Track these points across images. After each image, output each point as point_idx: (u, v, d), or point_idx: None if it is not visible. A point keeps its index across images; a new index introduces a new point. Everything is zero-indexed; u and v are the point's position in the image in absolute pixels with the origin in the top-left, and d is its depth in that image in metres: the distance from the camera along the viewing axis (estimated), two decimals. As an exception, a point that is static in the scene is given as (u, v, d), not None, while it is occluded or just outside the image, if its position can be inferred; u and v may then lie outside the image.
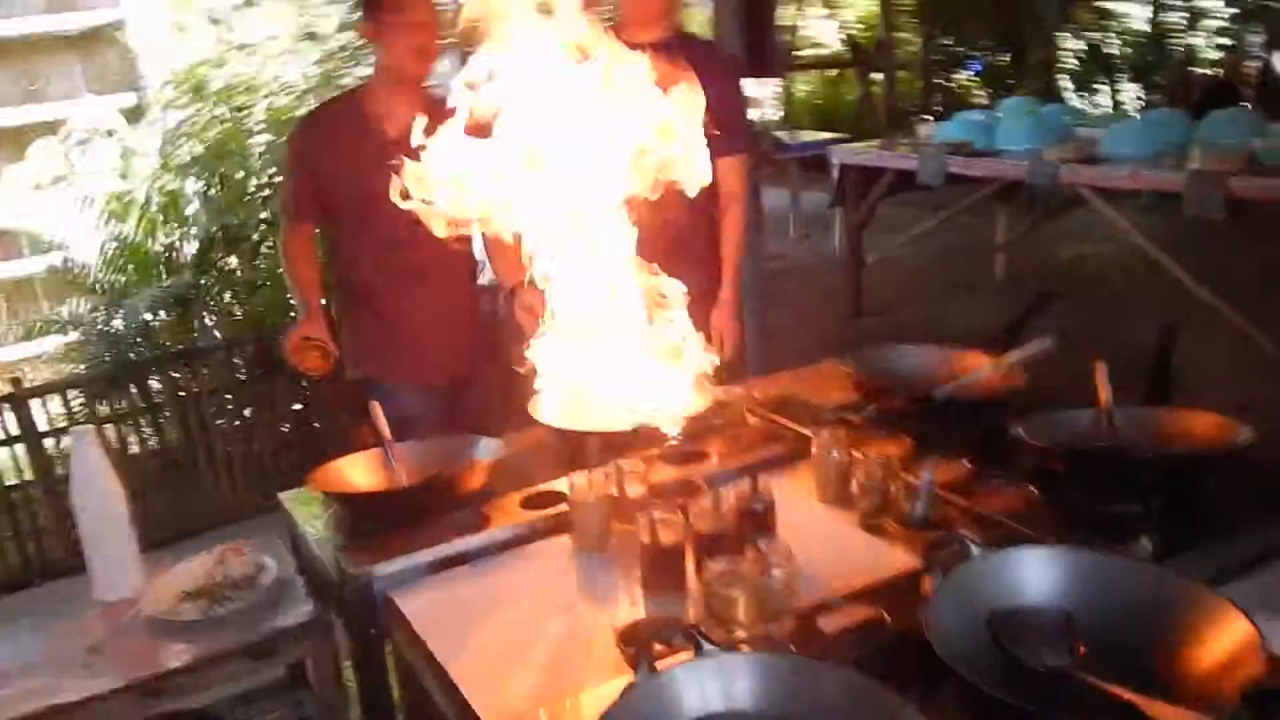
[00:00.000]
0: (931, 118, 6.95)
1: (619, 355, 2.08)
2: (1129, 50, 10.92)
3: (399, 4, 2.61)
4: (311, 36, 5.40)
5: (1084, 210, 5.53)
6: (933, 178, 5.32)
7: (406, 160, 2.01)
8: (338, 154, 2.70)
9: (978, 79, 12.22)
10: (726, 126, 2.56)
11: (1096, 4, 10.22)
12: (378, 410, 2.09)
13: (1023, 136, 5.31)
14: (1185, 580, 1.29)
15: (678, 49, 2.48)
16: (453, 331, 2.86)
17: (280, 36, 5.31)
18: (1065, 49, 11.41)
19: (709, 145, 2.14)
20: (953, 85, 12.24)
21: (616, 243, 1.94)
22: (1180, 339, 2.00)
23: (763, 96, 13.44)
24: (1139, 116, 6.53)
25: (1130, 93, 10.71)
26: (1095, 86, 10.92)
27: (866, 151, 6.16)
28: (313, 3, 5.87)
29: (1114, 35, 10.99)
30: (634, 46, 2.29)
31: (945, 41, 11.97)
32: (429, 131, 2.71)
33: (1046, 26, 10.44)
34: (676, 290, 2.00)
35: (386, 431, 2.06)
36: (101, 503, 1.89)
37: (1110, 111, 9.12)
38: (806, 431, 1.90)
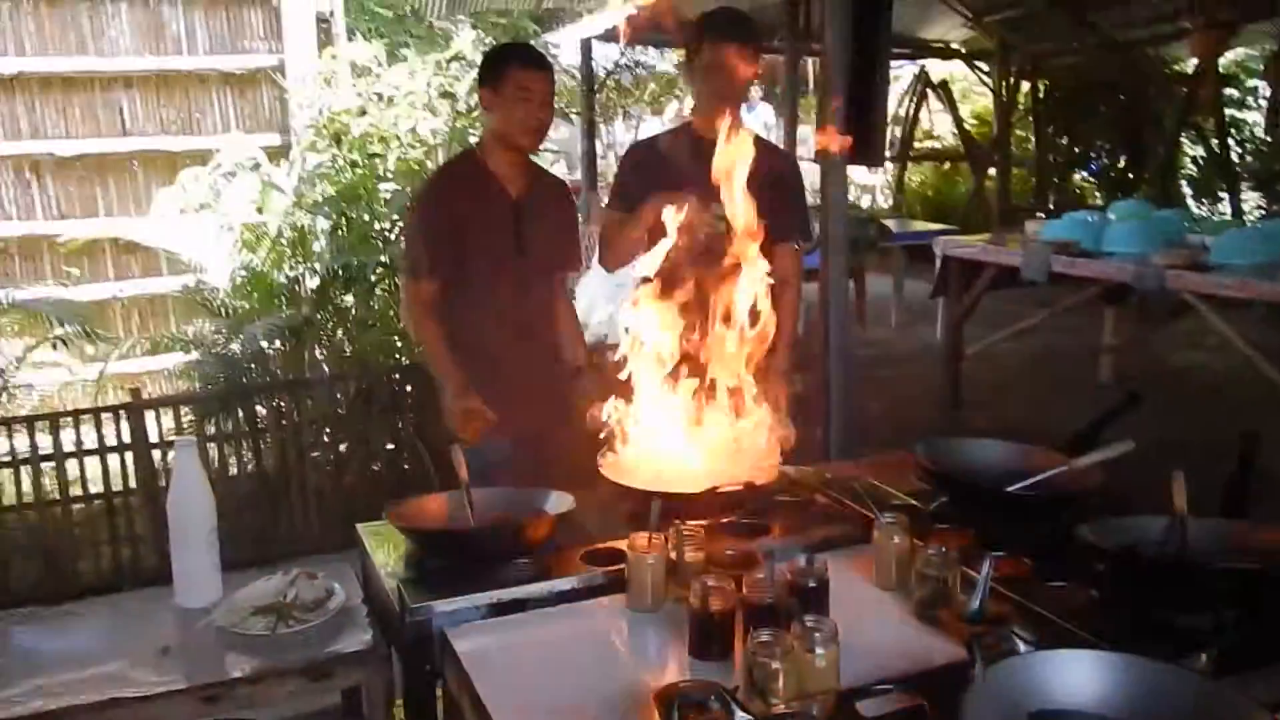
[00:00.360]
0: (1044, 215, 6.90)
1: (691, 422, 2.16)
2: (1251, 158, 10.69)
3: (517, 81, 2.74)
4: (446, 95, 5.65)
5: (1196, 316, 5.41)
6: (1036, 274, 5.27)
7: None
8: (466, 210, 2.84)
9: (1095, 180, 12.09)
10: (783, 216, 2.90)
11: (1219, 109, 10.02)
12: (459, 454, 2.17)
13: (1131, 239, 5.23)
14: (1238, 697, 1.25)
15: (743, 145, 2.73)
16: (547, 385, 2.95)
17: (417, 92, 5.56)
18: (1186, 154, 11.23)
19: (767, 232, 2.30)
20: (1069, 185, 12.12)
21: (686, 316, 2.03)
22: (1263, 448, 1.96)
23: (872, 184, 13.55)
24: (1255, 225, 6.36)
25: (1253, 201, 10.44)
26: (1217, 194, 10.70)
27: (971, 244, 6.14)
28: (452, 65, 6.16)
29: (1236, 142, 10.77)
30: (708, 143, 2.60)
31: (1062, 141, 11.90)
32: (541, 201, 2.88)
33: (1167, 131, 10.29)
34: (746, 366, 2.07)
35: (464, 474, 2.14)
36: (193, 512, 2.01)
37: (1229, 219, 8.89)
38: (871, 515, 1.91)
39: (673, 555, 1.79)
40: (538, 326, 2.97)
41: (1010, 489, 2.01)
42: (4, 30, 6.10)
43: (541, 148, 3.06)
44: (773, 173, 2.85)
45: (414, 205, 2.99)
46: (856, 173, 13.18)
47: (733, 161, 2.29)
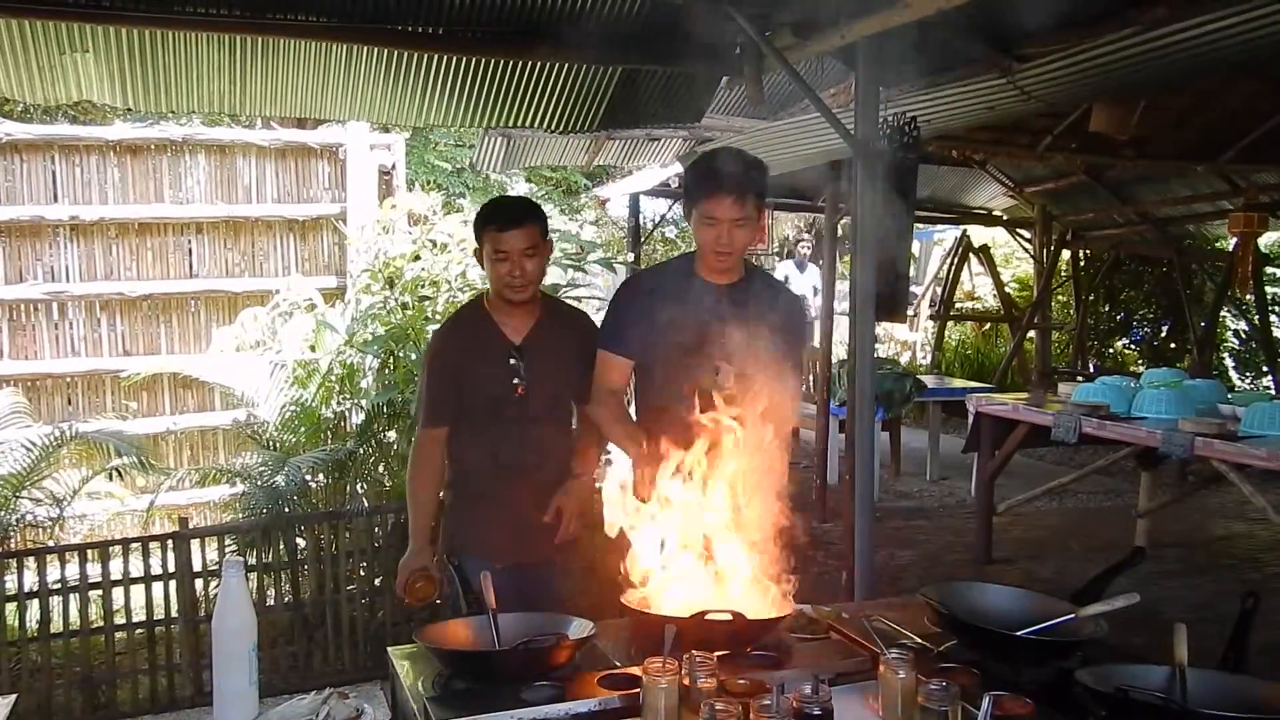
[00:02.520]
0: (1082, 379, 7.02)
1: (715, 556, 2.27)
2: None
3: (492, 241, 2.89)
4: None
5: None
6: (1066, 435, 5.36)
7: None
8: (472, 357, 2.99)
9: (1137, 348, 12.20)
10: (782, 360, 2.73)
11: (1259, 286, 10.14)
12: (487, 580, 2.27)
13: (1161, 405, 5.32)
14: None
15: (751, 290, 2.84)
16: (539, 521, 2.98)
17: (469, 240, 5.84)
18: (1228, 327, 11.34)
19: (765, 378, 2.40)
20: (1111, 351, 12.24)
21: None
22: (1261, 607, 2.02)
23: (912, 341, 13.76)
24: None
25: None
26: (1261, 368, 10.74)
27: (1003, 403, 6.24)
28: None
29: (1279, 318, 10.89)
30: (711, 286, 2.75)
31: (1104, 308, 12.09)
32: (551, 339, 3.01)
33: (1206, 304, 10.44)
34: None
35: (492, 600, 2.24)
36: (236, 628, 2.12)
37: (1271, 393, 8.92)
38: (879, 651, 1.98)
39: (686, 682, 1.86)
40: (535, 464, 3.01)
41: (1017, 633, 2.07)
42: (90, 180, 6.56)
43: (563, 293, 3.17)
44: (778, 314, 2.79)
45: (423, 358, 3.12)
46: (898, 330, 13.45)
47: (732, 314, 2.39)
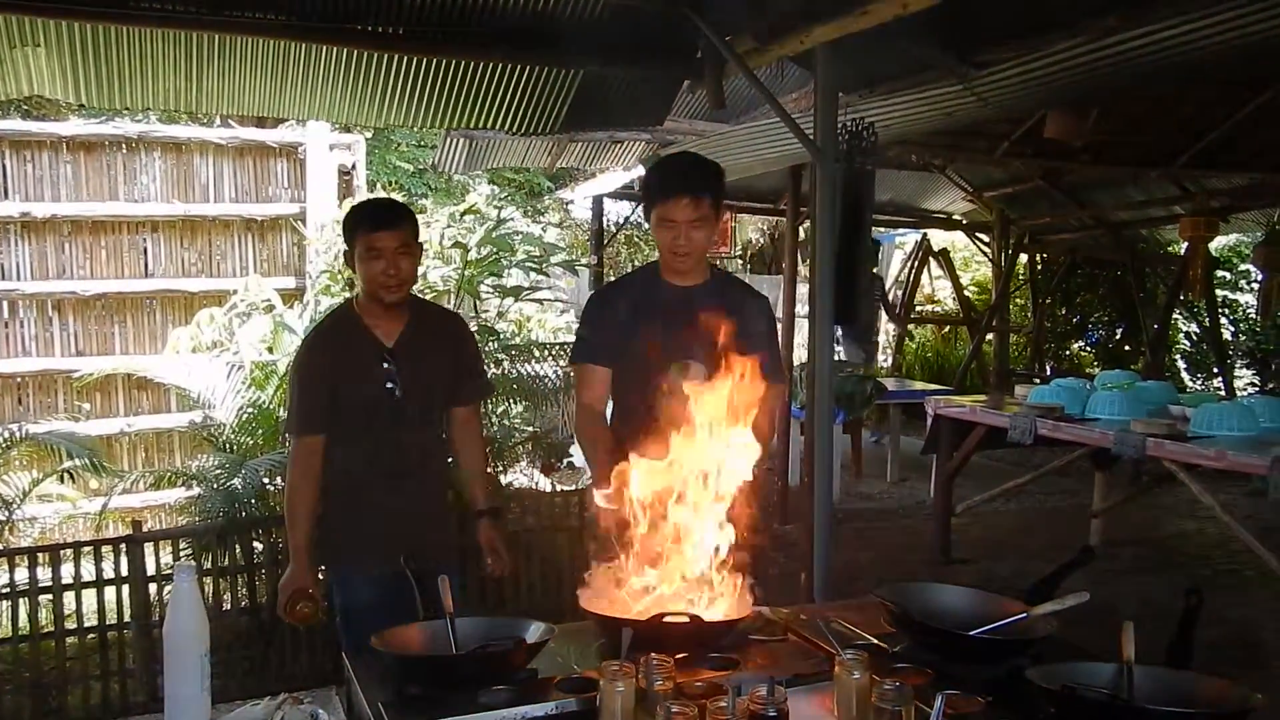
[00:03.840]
0: (1039, 381, 7.12)
1: (675, 556, 2.28)
2: (1244, 337, 10.98)
3: (365, 242, 2.85)
4: (458, 245, 5.88)
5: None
6: (1022, 436, 5.44)
7: None
8: (345, 362, 2.95)
9: (1093, 350, 12.39)
10: (757, 358, 2.76)
11: (1209, 289, 10.34)
12: (446, 584, 2.26)
13: (1114, 407, 5.41)
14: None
15: (717, 291, 2.85)
16: (428, 523, 3.00)
17: (431, 242, 5.79)
18: (1180, 330, 11.55)
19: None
20: (1067, 353, 12.42)
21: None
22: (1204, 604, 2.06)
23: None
24: (1237, 400, 6.54)
25: (1246, 378, 10.69)
26: (1212, 369, 10.95)
27: (961, 405, 6.32)
28: (466, 218, 6.46)
29: (1230, 321, 11.11)
30: (677, 289, 2.75)
31: (1060, 311, 12.26)
32: (425, 341, 3.00)
33: (1158, 307, 10.62)
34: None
35: (450, 605, 2.23)
36: (188, 634, 2.09)
37: (1221, 395, 9.11)
38: (836, 652, 1.99)
39: (643, 684, 1.87)
40: (413, 468, 3.02)
41: (969, 633, 2.10)
42: (42, 177, 6.45)
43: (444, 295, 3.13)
44: (744, 315, 2.79)
45: (292, 365, 3.08)
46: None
47: (699, 314, 2.41)
